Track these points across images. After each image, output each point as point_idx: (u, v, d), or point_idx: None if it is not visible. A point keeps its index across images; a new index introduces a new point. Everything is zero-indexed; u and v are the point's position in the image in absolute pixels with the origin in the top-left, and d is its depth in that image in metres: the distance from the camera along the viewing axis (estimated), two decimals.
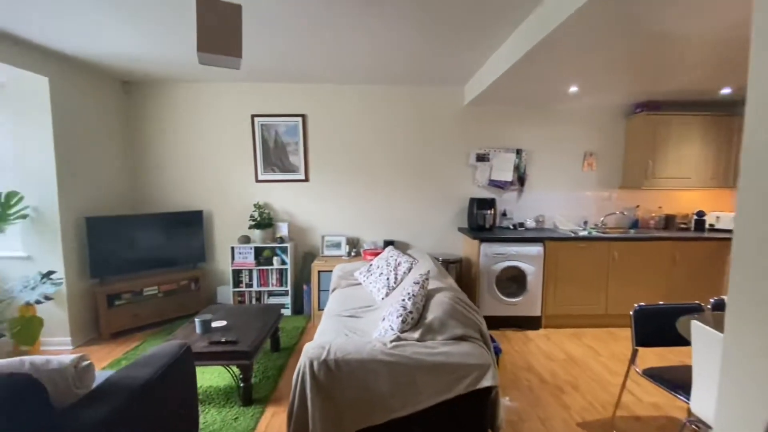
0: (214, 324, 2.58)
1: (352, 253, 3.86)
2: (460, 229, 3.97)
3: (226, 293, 3.92)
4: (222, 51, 1.72)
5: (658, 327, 1.93)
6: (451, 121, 3.96)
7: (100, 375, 1.60)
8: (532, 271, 3.46)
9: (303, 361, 1.71)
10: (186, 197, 3.95)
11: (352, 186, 3.99)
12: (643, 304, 1.99)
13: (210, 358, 2.24)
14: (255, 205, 3.85)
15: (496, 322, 3.51)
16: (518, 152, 3.97)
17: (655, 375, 1.85)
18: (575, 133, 3.99)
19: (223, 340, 2.31)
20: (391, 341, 1.78)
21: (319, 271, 3.57)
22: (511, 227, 3.93)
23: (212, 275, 4.03)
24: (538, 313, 3.51)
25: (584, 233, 3.64)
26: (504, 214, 4.04)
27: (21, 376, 1.11)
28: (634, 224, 4.00)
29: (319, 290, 3.58)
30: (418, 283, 2.11)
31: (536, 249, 3.45)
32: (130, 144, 3.85)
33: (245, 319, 2.72)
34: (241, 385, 2.30)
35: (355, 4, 2.14)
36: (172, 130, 3.86)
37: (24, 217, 2.90)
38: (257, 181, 3.93)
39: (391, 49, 2.84)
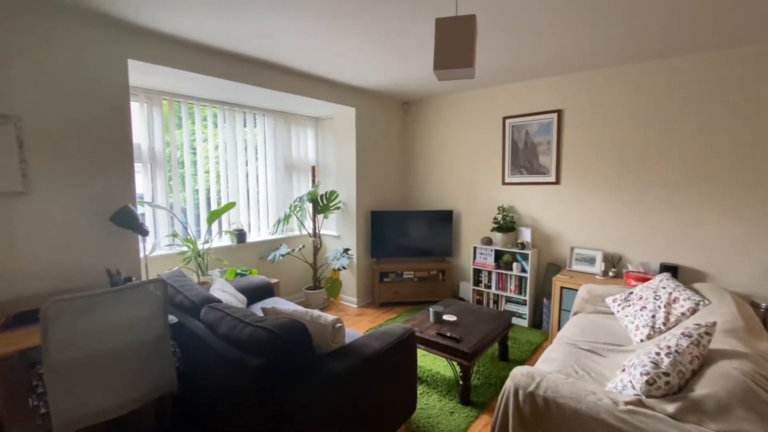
0: (446, 317, 2.79)
1: (610, 274, 3.16)
2: None
3: (466, 289, 4.16)
4: (455, 65, 1.80)
5: None
6: None
7: (350, 336, 2.09)
8: None
9: (508, 385, 1.59)
10: (441, 197, 4.44)
11: (618, 190, 3.24)
12: None
13: (434, 347, 2.47)
14: (499, 208, 3.83)
15: None
16: None
17: None
18: None
19: (448, 334, 2.48)
20: (627, 402, 1.35)
21: (562, 287, 3.15)
22: None
23: (456, 270, 4.36)
24: None
25: None
26: None
27: (300, 323, 1.62)
28: None
29: (560, 308, 3.17)
30: (689, 336, 1.49)
31: None
32: (405, 152, 4.71)
33: (475, 319, 2.78)
34: (461, 383, 2.39)
35: None
36: (435, 138, 4.43)
37: (338, 208, 4.14)
38: (503, 183, 3.89)
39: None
